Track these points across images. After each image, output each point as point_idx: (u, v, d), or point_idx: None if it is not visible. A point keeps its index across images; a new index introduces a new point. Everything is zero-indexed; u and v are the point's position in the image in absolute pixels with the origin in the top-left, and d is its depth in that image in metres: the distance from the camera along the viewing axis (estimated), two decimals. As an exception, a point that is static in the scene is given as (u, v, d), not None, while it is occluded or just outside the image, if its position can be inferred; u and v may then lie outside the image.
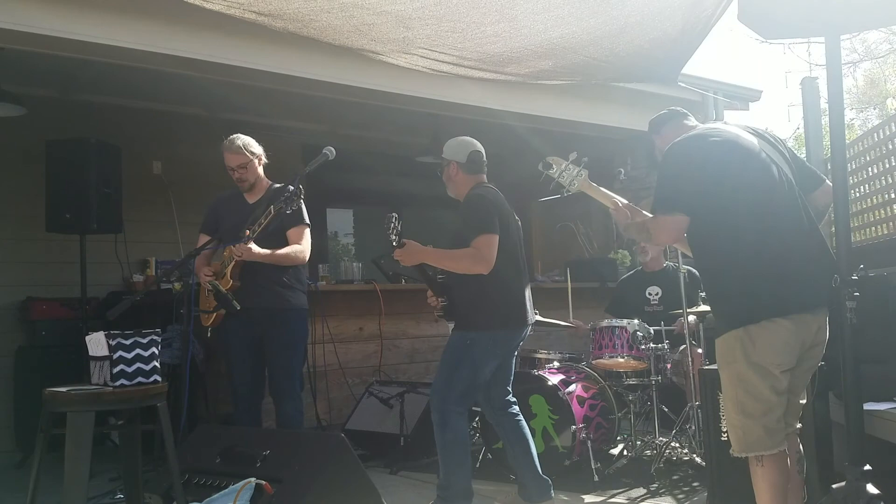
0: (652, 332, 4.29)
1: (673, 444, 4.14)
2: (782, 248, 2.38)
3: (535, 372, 4.20)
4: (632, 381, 4.31)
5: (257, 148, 3.83)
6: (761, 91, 6.55)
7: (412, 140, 7.19)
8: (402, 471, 4.32)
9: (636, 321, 4.29)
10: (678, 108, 2.86)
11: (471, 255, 3.23)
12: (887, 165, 4.06)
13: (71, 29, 3.72)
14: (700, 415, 3.82)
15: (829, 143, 2.89)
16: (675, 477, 4.01)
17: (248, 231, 3.54)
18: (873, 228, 4.31)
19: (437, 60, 3.42)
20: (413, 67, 3.55)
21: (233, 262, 3.61)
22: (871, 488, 2.04)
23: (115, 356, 2.65)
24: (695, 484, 3.91)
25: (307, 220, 3.81)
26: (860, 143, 4.43)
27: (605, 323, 4.36)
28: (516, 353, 3.55)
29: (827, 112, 2.22)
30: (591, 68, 3.56)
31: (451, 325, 3.43)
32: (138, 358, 2.69)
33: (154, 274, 5.76)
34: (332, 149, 3.62)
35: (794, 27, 2.21)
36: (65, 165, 4.51)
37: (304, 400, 4.69)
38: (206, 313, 3.76)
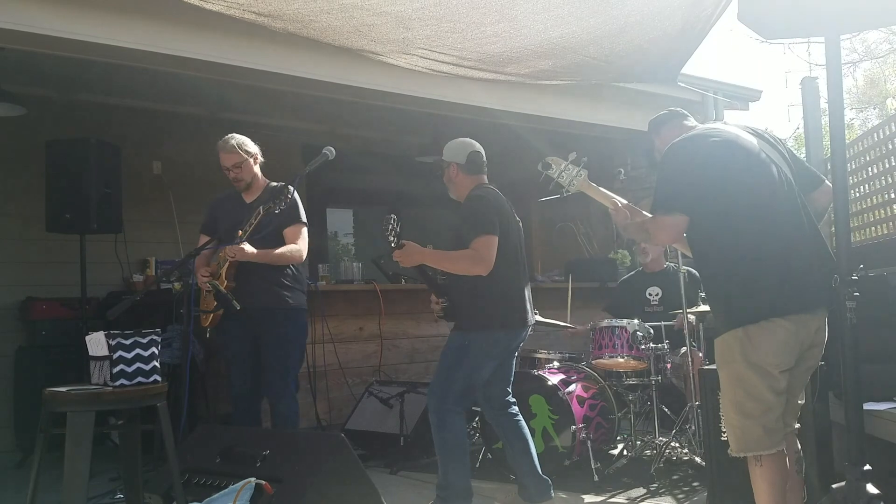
0: (652, 332, 4.29)
1: (673, 444, 4.14)
2: (782, 249, 2.38)
3: (535, 372, 4.20)
4: (632, 381, 4.31)
5: (252, 147, 3.82)
6: (761, 91, 6.55)
7: (412, 140, 7.20)
8: (402, 471, 4.32)
9: (636, 321, 4.30)
10: (678, 109, 2.86)
11: (469, 256, 3.23)
12: (887, 165, 4.06)
13: (71, 29, 3.72)
14: (700, 415, 3.82)
15: (829, 143, 2.89)
16: (675, 477, 4.02)
17: (240, 232, 3.54)
18: (873, 228, 4.31)
19: (437, 61, 3.42)
20: (413, 68, 3.55)
21: (227, 263, 3.61)
22: (871, 488, 2.04)
23: (115, 356, 2.65)
24: (695, 484, 3.91)
25: (304, 219, 3.80)
26: (860, 143, 4.43)
27: (605, 323, 4.36)
28: (517, 353, 3.55)
29: (827, 112, 2.22)
30: (591, 68, 3.56)
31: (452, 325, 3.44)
32: (138, 358, 2.69)
33: (154, 274, 5.77)
34: (332, 149, 3.62)
35: (794, 27, 2.21)
36: (65, 165, 4.51)
37: (304, 399, 4.71)
38: (206, 313, 3.76)
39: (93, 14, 3.76)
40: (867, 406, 2.68)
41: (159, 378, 2.75)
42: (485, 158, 3.51)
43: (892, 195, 4.04)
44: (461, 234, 3.32)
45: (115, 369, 2.65)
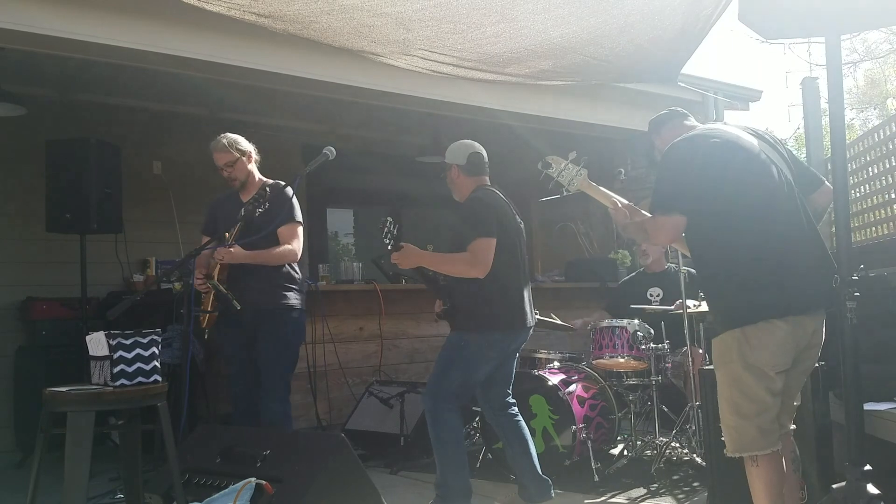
0: (652, 332, 4.29)
1: (673, 444, 4.14)
2: (781, 250, 2.38)
3: (536, 372, 4.20)
4: (632, 381, 4.31)
5: (246, 145, 3.81)
6: (761, 91, 6.55)
7: (412, 140, 7.20)
8: (402, 471, 4.32)
9: (636, 321, 4.30)
10: (678, 109, 2.85)
11: (467, 259, 3.23)
12: (887, 165, 4.07)
13: (71, 29, 3.72)
14: (700, 415, 3.82)
15: (829, 143, 2.89)
16: (675, 477, 4.02)
17: (227, 234, 3.53)
18: (873, 228, 4.31)
19: (438, 62, 3.42)
20: (413, 69, 3.54)
21: (217, 266, 3.61)
22: (871, 488, 2.04)
23: (116, 356, 2.65)
24: (695, 484, 3.91)
25: (298, 218, 3.78)
26: (860, 144, 4.43)
27: (606, 323, 4.36)
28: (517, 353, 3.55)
29: (827, 112, 2.22)
30: (591, 68, 3.56)
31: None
32: (138, 358, 2.69)
33: (154, 274, 5.77)
34: (332, 149, 3.61)
35: (794, 27, 2.21)
36: (65, 165, 4.51)
37: (304, 399, 4.71)
38: (205, 313, 3.75)
39: (93, 14, 3.76)
40: (867, 406, 2.68)
41: (159, 378, 2.75)
42: (486, 159, 3.51)
43: (893, 195, 4.05)
44: (459, 235, 3.32)
45: (116, 369, 2.64)
